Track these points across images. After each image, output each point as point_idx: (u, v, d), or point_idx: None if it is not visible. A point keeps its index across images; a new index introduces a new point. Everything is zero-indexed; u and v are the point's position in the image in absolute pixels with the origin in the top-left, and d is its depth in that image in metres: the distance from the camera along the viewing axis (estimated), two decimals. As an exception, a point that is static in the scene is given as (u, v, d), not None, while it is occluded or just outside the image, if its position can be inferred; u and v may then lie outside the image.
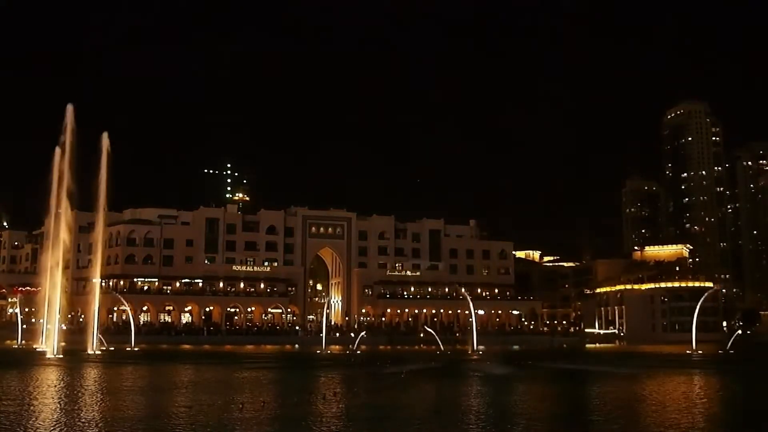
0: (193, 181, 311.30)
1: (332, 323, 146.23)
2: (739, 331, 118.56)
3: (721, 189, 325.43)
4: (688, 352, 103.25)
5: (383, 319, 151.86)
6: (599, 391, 47.46)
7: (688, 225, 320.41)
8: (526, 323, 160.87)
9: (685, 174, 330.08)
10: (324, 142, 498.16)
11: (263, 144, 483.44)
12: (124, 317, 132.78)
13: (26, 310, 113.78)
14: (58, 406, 35.73)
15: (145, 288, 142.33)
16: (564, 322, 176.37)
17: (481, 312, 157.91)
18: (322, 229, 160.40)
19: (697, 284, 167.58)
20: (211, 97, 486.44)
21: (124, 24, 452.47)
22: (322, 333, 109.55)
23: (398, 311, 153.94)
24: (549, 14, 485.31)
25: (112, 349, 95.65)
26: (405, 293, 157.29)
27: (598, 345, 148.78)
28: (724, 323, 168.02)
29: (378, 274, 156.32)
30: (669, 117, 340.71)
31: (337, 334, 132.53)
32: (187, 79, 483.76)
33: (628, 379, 56.28)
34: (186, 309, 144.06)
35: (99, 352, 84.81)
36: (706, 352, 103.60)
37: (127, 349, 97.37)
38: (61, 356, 74.49)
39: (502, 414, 34.67)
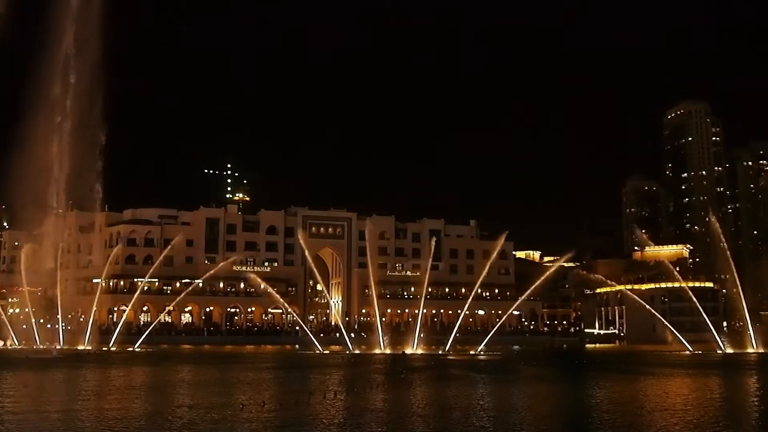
0: (193, 181, 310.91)
1: (332, 323, 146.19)
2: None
3: (721, 189, 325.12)
4: (687, 352, 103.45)
5: (383, 319, 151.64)
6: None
7: (688, 225, 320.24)
8: (526, 323, 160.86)
9: (685, 174, 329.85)
10: (324, 142, 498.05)
11: (264, 144, 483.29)
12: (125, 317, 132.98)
13: (26, 310, 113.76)
14: (54, 405, 35.75)
15: (146, 288, 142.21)
16: (564, 322, 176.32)
17: (481, 312, 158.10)
18: (322, 229, 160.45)
19: (697, 284, 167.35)
20: (212, 97, 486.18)
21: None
22: (321, 334, 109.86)
23: (398, 311, 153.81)
24: (549, 14, 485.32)
25: (114, 349, 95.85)
26: (405, 293, 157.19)
27: (597, 345, 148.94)
28: (725, 323, 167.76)
29: (378, 274, 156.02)
30: (669, 117, 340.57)
31: (337, 335, 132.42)
32: (186, 79, 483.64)
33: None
34: (186, 309, 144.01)
35: (98, 352, 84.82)
36: (706, 352, 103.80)
37: (128, 349, 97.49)
38: (60, 357, 74.41)
39: (503, 413, 34.73)
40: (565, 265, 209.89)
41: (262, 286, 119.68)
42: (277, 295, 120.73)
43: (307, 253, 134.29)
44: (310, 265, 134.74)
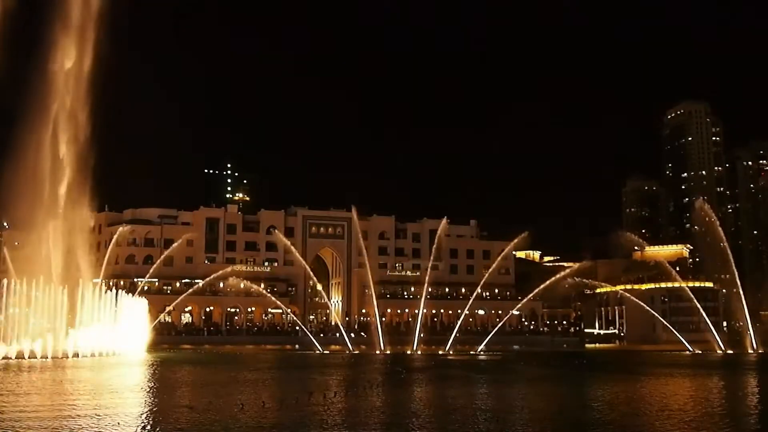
0: (193, 181, 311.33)
1: (332, 323, 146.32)
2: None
3: (721, 189, 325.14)
4: (687, 352, 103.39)
5: (383, 319, 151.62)
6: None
7: (688, 225, 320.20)
8: (526, 323, 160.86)
9: (685, 174, 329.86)
10: (324, 142, 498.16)
11: (264, 144, 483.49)
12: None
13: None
14: (48, 405, 35.72)
15: (146, 288, 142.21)
16: (564, 322, 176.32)
17: (481, 312, 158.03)
18: (322, 229, 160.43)
19: (697, 284, 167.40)
20: (211, 96, 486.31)
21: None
22: (321, 334, 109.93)
23: (398, 311, 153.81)
24: (549, 13, 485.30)
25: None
26: (405, 293, 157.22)
27: (597, 345, 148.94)
28: (725, 323, 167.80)
29: (378, 274, 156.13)
30: (669, 117, 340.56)
31: (337, 335, 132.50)
32: (186, 79, 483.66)
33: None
34: (186, 309, 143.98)
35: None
36: (706, 352, 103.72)
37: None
38: (56, 358, 73.85)
39: (503, 413, 34.73)
40: (565, 264, 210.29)
41: (255, 288, 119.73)
42: (266, 293, 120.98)
43: (291, 248, 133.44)
44: (301, 261, 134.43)
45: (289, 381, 53.73)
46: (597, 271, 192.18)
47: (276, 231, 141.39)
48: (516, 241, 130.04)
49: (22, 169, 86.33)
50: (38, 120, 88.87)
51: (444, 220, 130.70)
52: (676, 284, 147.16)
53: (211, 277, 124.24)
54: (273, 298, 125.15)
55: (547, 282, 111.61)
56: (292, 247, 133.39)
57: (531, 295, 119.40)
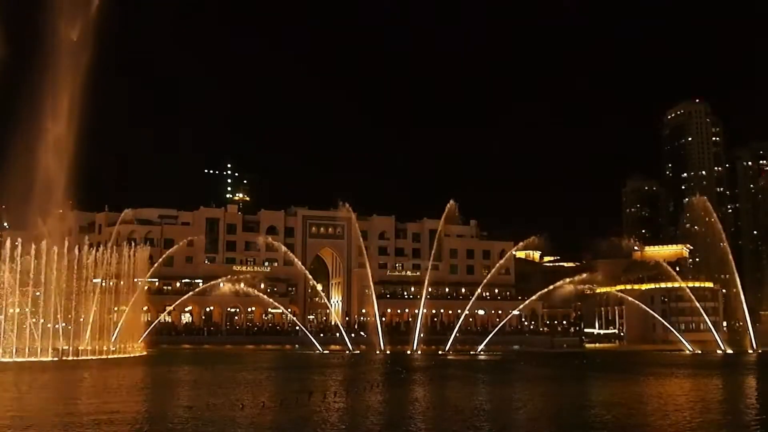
0: (193, 181, 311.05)
1: (332, 323, 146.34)
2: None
3: (721, 189, 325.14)
4: (687, 352, 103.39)
5: (383, 319, 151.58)
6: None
7: (688, 225, 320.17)
8: (526, 323, 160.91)
9: (685, 174, 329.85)
10: (324, 142, 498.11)
11: (264, 144, 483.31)
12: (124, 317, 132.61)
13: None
14: (52, 406, 35.77)
15: (146, 288, 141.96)
16: (564, 322, 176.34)
17: (481, 312, 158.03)
18: (322, 229, 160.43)
19: (697, 284, 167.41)
20: (211, 96, 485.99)
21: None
22: (321, 334, 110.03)
23: (398, 311, 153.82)
24: (550, 13, 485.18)
25: (113, 349, 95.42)
26: (405, 293, 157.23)
27: (597, 345, 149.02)
28: (725, 323, 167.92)
29: (378, 274, 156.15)
30: (669, 117, 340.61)
31: (337, 335, 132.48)
32: (186, 79, 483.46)
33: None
34: (186, 309, 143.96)
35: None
36: (705, 352, 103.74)
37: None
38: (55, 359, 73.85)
39: (503, 413, 34.77)
40: (566, 265, 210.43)
41: (256, 292, 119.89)
42: (262, 295, 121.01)
43: (288, 251, 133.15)
44: (299, 264, 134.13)
45: (288, 381, 53.70)
46: (597, 271, 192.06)
47: (267, 237, 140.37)
48: (524, 243, 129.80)
49: (21, 170, 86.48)
50: (37, 118, 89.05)
51: (450, 203, 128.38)
52: (676, 284, 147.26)
53: (210, 283, 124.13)
54: (270, 300, 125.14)
55: (551, 287, 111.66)
56: (286, 249, 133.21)
57: (534, 296, 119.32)
